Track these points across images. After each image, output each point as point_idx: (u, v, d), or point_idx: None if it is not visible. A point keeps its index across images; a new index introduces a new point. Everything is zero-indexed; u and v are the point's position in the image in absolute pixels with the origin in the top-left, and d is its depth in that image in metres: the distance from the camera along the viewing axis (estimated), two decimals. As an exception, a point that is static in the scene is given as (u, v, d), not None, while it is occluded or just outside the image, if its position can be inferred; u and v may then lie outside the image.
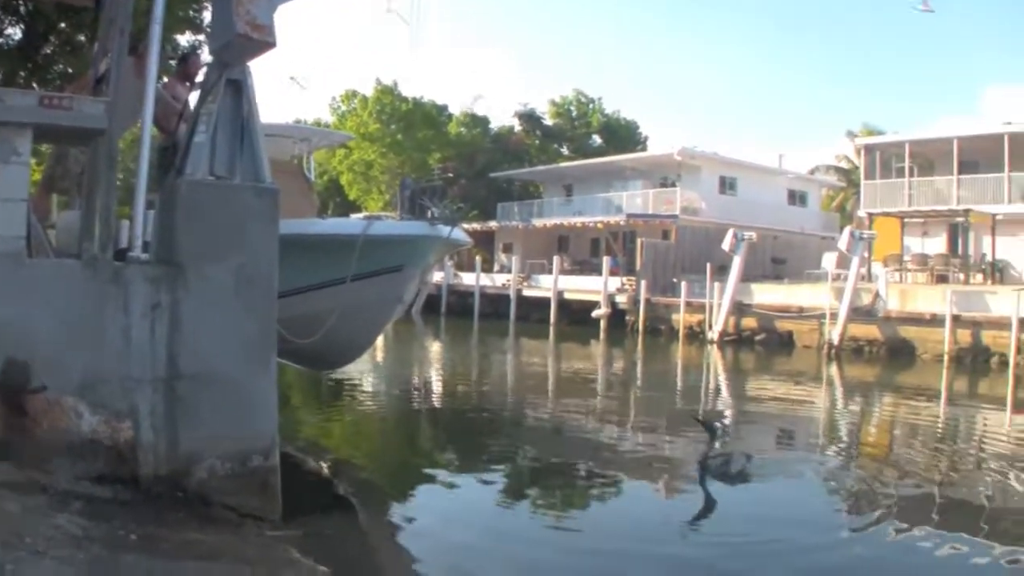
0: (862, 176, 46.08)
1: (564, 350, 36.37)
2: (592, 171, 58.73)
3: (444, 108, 73.70)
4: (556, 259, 47.64)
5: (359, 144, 65.22)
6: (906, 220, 41.33)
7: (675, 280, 40.24)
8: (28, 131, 6.95)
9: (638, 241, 44.38)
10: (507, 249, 58.35)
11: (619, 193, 54.15)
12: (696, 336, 37.35)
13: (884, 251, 38.87)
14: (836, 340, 31.67)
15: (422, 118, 68.57)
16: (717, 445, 11.94)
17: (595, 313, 42.18)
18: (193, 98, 9.70)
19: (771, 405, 20.62)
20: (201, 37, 21.10)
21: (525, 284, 49.17)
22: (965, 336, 29.60)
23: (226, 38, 7.45)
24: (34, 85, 19.38)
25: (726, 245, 36.01)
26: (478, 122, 74.75)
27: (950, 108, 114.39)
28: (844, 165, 68.54)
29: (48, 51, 21.13)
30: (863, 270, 34.66)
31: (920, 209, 40.77)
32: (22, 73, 20.31)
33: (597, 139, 76.85)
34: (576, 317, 44.49)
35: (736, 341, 35.48)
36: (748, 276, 37.42)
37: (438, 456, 13.91)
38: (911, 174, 42.39)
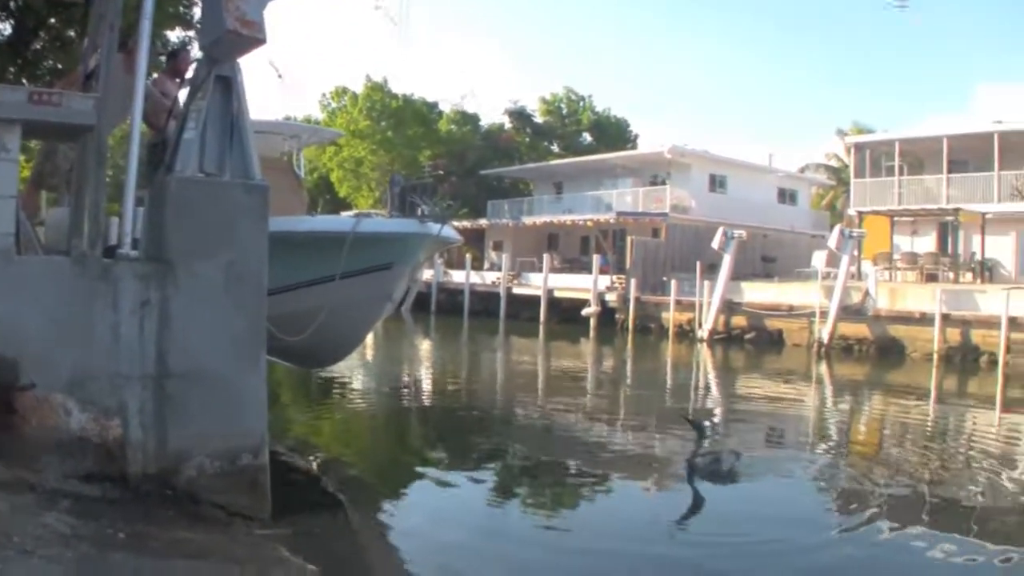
0: (852, 174, 46.12)
1: (554, 348, 36.41)
2: (582, 169, 58.69)
3: (434, 105, 73.66)
4: (546, 257, 47.66)
5: (349, 141, 65.14)
6: (896, 219, 41.37)
7: (665, 278, 40.27)
8: (17, 127, 6.92)
9: (628, 239, 44.41)
10: (497, 247, 58.29)
11: (609, 191, 54.10)
12: (686, 334, 37.39)
13: (874, 250, 38.94)
14: (826, 339, 31.76)
15: (412, 115, 68.51)
16: (706, 444, 11.96)
17: (585, 311, 42.22)
18: (183, 94, 9.67)
19: (761, 404, 20.64)
20: (191, 33, 21.01)
21: (515, 282, 49.18)
22: (954, 335, 29.68)
23: (216, 34, 7.42)
24: (23, 81, 19.30)
25: (716, 243, 36.05)
26: (468, 119, 74.69)
27: (940, 107, 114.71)
28: (834, 163, 68.64)
29: (38, 47, 21.06)
30: (853, 269, 34.78)
31: (910, 208, 40.81)
32: (11, 69, 20.23)
33: (587, 137, 76.87)
34: (566, 315, 44.55)
35: (726, 339, 35.53)
36: (738, 274, 37.50)
37: (428, 454, 13.89)
38: (901, 173, 42.45)
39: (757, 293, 36.81)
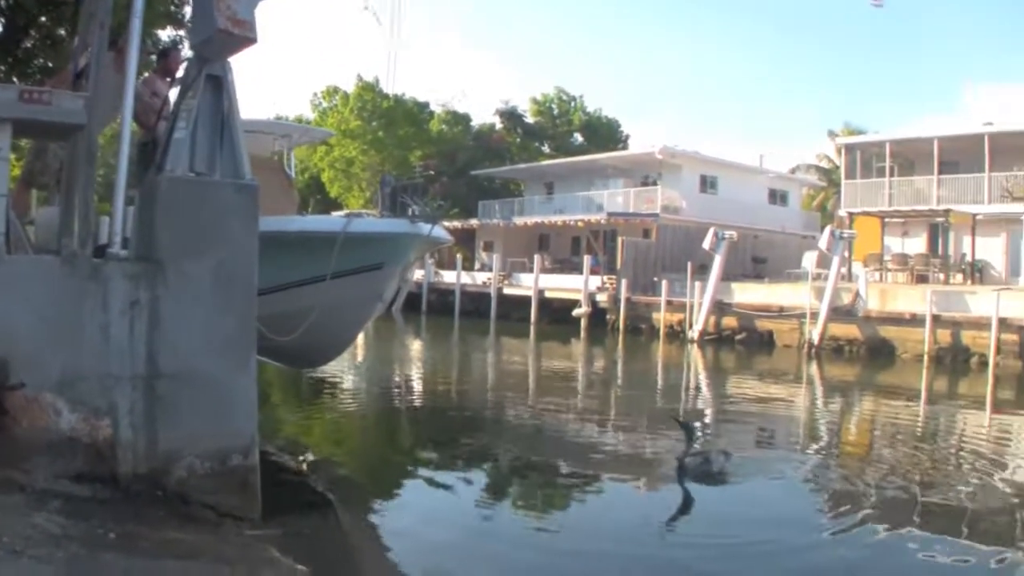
0: (843, 175, 46.25)
1: (544, 349, 36.41)
2: (573, 169, 58.66)
3: (425, 105, 73.60)
4: (537, 258, 47.66)
5: (340, 141, 65.04)
6: (886, 220, 41.47)
7: (656, 279, 40.29)
8: (7, 126, 6.92)
9: (619, 240, 44.41)
10: (488, 247, 58.32)
11: (600, 192, 54.10)
12: (676, 335, 37.43)
13: (864, 251, 38.99)
14: (816, 339, 31.82)
15: (403, 115, 68.40)
16: (696, 445, 11.97)
17: (576, 312, 42.27)
18: (173, 94, 9.66)
19: (751, 404, 20.65)
20: (182, 32, 20.98)
21: (506, 283, 49.20)
22: (945, 336, 29.76)
23: (207, 33, 7.41)
24: (14, 80, 19.25)
25: (707, 244, 36.08)
26: (459, 120, 74.66)
27: (931, 108, 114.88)
28: (825, 165, 68.73)
29: (28, 45, 21.00)
30: (843, 270, 34.83)
31: (900, 209, 40.93)
32: (2, 67, 20.19)
33: (578, 137, 76.88)
34: (557, 316, 44.56)
35: (716, 340, 35.55)
36: (728, 275, 37.52)
37: (418, 455, 13.87)
38: (892, 174, 42.57)
39: (748, 294, 36.84)
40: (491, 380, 25.94)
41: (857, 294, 32.61)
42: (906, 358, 30.07)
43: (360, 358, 27.32)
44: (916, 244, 41.35)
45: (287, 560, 6.50)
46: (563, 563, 8.56)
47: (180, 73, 9.99)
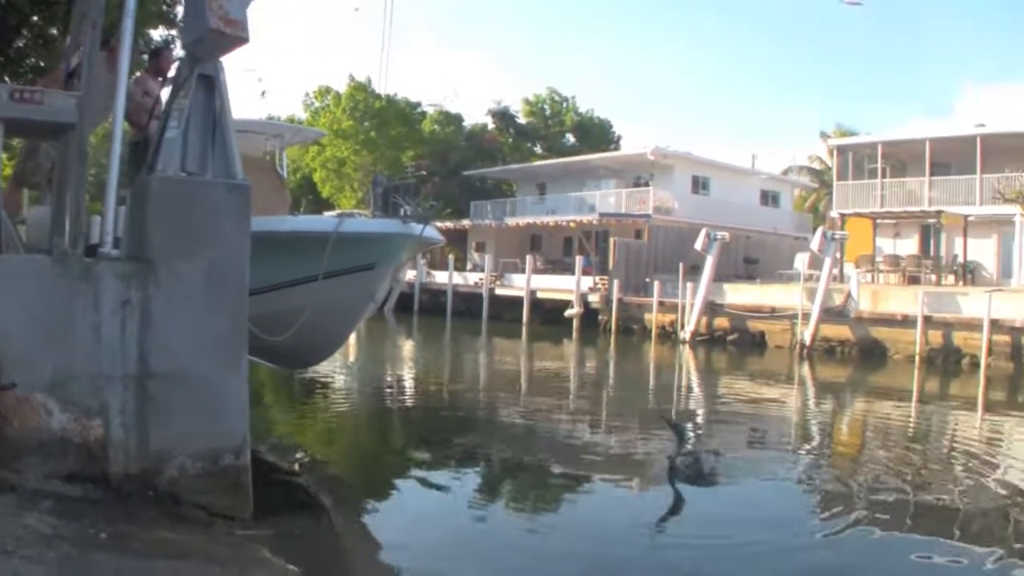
0: (835, 177, 46.37)
1: (537, 349, 36.39)
2: (565, 170, 58.70)
3: (417, 105, 73.57)
4: (529, 258, 47.68)
5: (332, 141, 64.96)
6: (878, 221, 41.61)
7: (648, 280, 40.32)
8: (-1, 125, 6.90)
9: (611, 240, 44.43)
10: (480, 248, 58.37)
11: (592, 192, 54.14)
12: (668, 336, 37.46)
13: (856, 252, 39.12)
14: (808, 340, 31.84)
15: (395, 115, 68.34)
16: (687, 445, 11.97)
17: (568, 312, 42.28)
18: (165, 93, 9.65)
19: (743, 405, 20.65)
20: (174, 32, 20.95)
21: (498, 283, 49.19)
22: (936, 337, 29.79)
23: (199, 33, 7.40)
24: (6, 79, 19.21)
25: (699, 245, 36.12)
26: (451, 120, 74.66)
27: (923, 110, 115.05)
28: (817, 166, 68.95)
29: (20, 45, 20.95)
30: (835, 271, 34.90)
31: (892, 210, 41.07)
32: (-7, 67, 20.17)
33: (570, 138, 76.86)
34: (549, 316, 44.58)
35: (708, 341, 35.59)
36: (720, 276, 37.56)
37: (411, 455, 13.85)
38: (883, 175, 42.68)
39: (739, 295, 36.88)
40: (483, 380, 25.92)
41: (849, 295, 32.65)
42: (898, 359, 30.11)
43: (352, 358, 27.32)
44: (908, 245, 41.48)
45: (279, 560, 6.50)
46: (554, 564, 8.56)
47: (172, 72, 9.98)
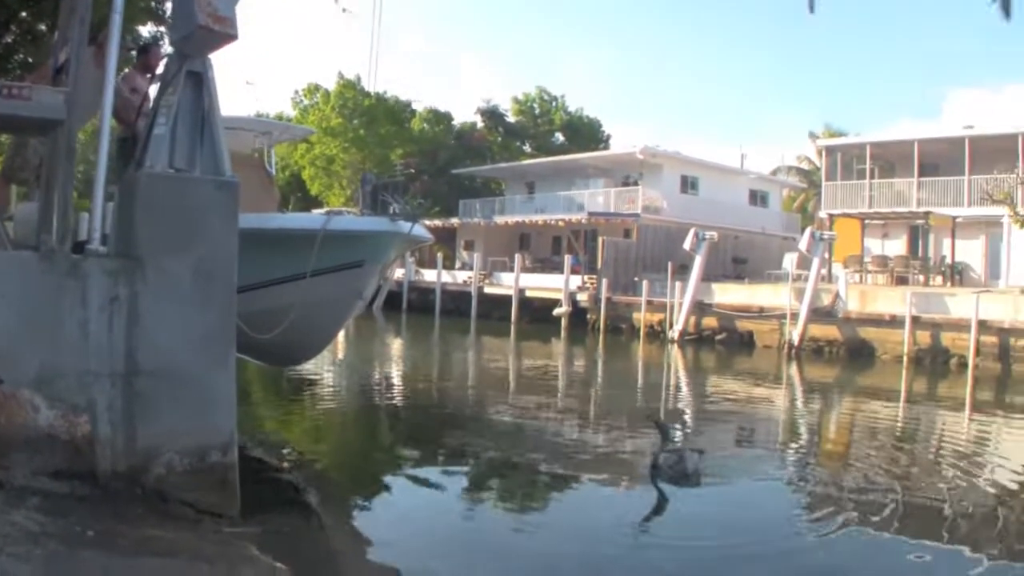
0: (823, 177, 46.47)
1: (525, 348, 36.40)
2: (554, 169, 58.69)
3: (407, 104, 73.52)
4: (518, 257, 47.67)
5: (321, 138, 64.92)
6: (867, 221, 41.69)
7: (636, 279, 40.30)
8: (-14, 121, 6.89)
9: (600, 240, 44.46)
10: (469, 246, 58.35)
11: (581, 191, 54.12)
12: (657, 335, 37.47)
13: (844, 252, 39.18)
14: (796, 340, 31.89)
15: (384, 113, 68.30)
16: (671, 445, 11.97)
17: (556, 311, 42.28)
18: (153, 90, 9.63)
19: (730, 404, 20.70)
20: (162, 28, 20.91)
21: (487, 282, 49.18)
22: (924, 337, 29.86)
23: (187, 30, 7.39)
24: (-7, 75, 19.19)
25: (687, 244, 36.15)
26: (441, 118, 74.65)
27: (912, 111, 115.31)
28: (805, 166, 69.10)
29: (8, 40, 20.91)
30: (823, 271, 34.93)
31: (880, 211, 41.15)
32: (-19, 63, 20.13)
33: (560, 137, 76.91)
34: (537, 315, 44.61)
35: (697, 340, 35.62)
36: (709, 276, 37.61)
37: (398, 453, 13.87)
38: (872, 176, 42.80)
39: (728, 294, 36.91)
40: (471, 379, 25.94)
41: (837, 295, 32.70)
42: (886, 359, 30.17)
43: (340, 356, 27.30)
44: (896, 246, 41.54)
45: (266, 558, 6.49)
46: (540, 562, 8.56)
47: (160, 69, 9.96)
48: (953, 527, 9.73)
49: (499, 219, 55.98)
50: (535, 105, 77.32)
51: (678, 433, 14.12)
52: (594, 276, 43.07)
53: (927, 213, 38.33)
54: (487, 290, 48.58)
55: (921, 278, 37.51)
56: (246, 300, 8.88)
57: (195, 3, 7.12)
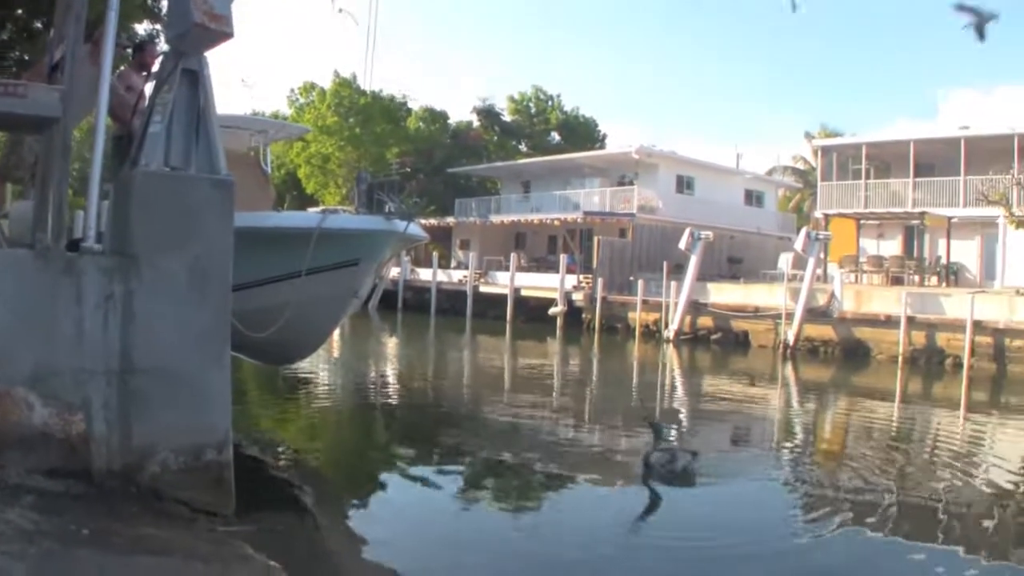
0: (819, 177, 46.46)
1: (520, 347, 36.42)
2: (550, 168, 58.66)
3: (403, 103, 73.45)
4: (513, 256, 47.65)
5: (317, 137, 64.83)
6: (862, 222, 41.72)
7: (632, 278, 40.37)
8: (-19, 119, 6.87)
9: (595, 239, 44.51)
10: (464, 245, 58.33)
11: (577, 191, 54.09)
12: (652, 334, 37.49)
13: (840, 252, 39.17)
14: (791, 340, 31.93)
15: (380, 112, 68.19)
16: (664, 444, 11.96)
17: (552, 311, 42.29)
18: (149, 88, 9.61)
19: (725, 404, 20.71)
20: (158, 26, 20.88)
21: (482, 281, 49.22)
22: (919, 338, 29.91)
23: (183, 27, 7.38)
24: (-10, 71, 19.17)
25: (683, 244, 36.19)
26: (436, 117, 74.58)
27: (908, 111, 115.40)
28: (801, 166, 69.13)
29: (5, 37, 20.89)
30: (819, 271, 34.98)
31: (876, 211, 41.19)
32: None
33: (555, 136, 76.86)
34: (533, 314, 44.60)
35: (692, 340, 35.64)
36: (704, 275, 37.62)
37: (393, 452, 13.86)
38: (867, 176, 42.82)
39: (723, 294, 36.93)
40: (466, 378, 25.95)
41: (832, 295, 32.72)
42: (881, 359, 30.22)
43: (336, 355, 27.28)
44: (891, 246, 41.60)
45: (261, 556, 6.48)
46: (532, 561, 8.57)
47: (156, 67, 9.95)
48: (949, 527, 9.75)
49: (495, 218, 55.97)
50: (531, 104, 77.27)
51: (672, 433, 14.11)
52: (590, 275, 43.05)
53: (923, 213, 38.34)
54: (483, 289, 48.59)
55: (916, 278, 37.53)
56: (241, 298, 8.87)
57: (191, 1, 7.12)
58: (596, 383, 25.54)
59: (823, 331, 32.44)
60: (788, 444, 15.71)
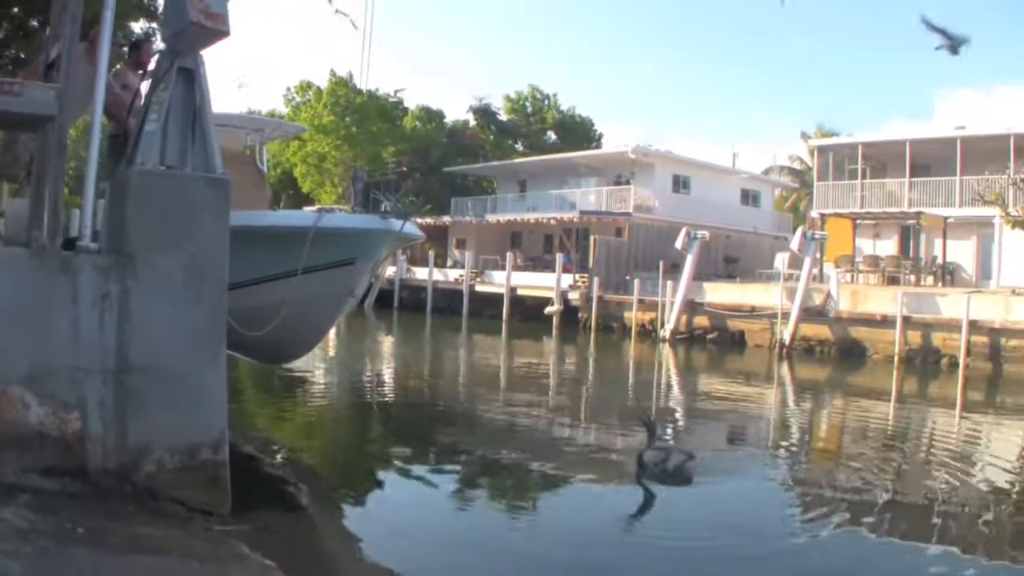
0: (815, 177, 46.56)
1: (517, 346, 36.42)
2: (546, 167, 58.60)
3: (399, 102, 73.38)
4: (509, 255, 47.69)
5: (313, 136, 64.76)
6: (858, 221, 41.74)
7: (628, 278, 40.34)
8: (-23, 117, 6.86)
9: (591, 238, 44.49)
10: (460, 244, 58.37)
11: (573, 190, 54.06)
12: (648, 334, 37.49)
13: (836, 252, 39.22)
14: (787, 340, 31.92)
15: (376, 111, 68.13)
16: (658, 443, 11.96)
17: (548, 310, 42.32)
18: (145, 86, 9.60)
19: (721, 404, 20.72)
20: (154, 24, 20.83)
21: (478, 280, 49.22)
22: (915, 337, 29.93)
23: (179, 26, 7.37)
24: (-15, 70, 19.11)
25: (679, 243, 36.19)
26: (433, 116, 74.54)
27: (904, 111, 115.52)
28: (797, 166, 69.15)
29: (1, 36, 20.84)
30: (815, 270, 35.02)
31: (872, 211, 41.24)
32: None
33: (552, 135, 76.82)
34: (529, 313, 44.59)
35: (688, 339, 35.64)
36: (700, 275, 37.66)
37: (389, 451, 13.85)
38: (863, 176, 42.87)
39: (719, 294, 36.92)
40: (462, 377, 25.93)
41: (828, 295, 32.75)
42: (877, 359, 30.23)
43: (332, 353, 27.27)
44: (887, 246, 41.65)
45: (256, 555, 6.48)
46: (529, 559, 8.57)
47: (152, 65, 9.93)
48: (945, 527, 9.76)
49: (491, 217, 55.99)
50: (527, 103, 77.23)
51: (668, 431, 14.11)
52: (586, 275, 43.04)
53: (918, 213, 38.43)
54: (479, 288, 48.60)
55: (912, 278, 37.58)
56: (237, 297, 8.88)
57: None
58: (592, 382, 25.56)
59: (819, 331, 32.44)
60: (784, 444, 15.73)
